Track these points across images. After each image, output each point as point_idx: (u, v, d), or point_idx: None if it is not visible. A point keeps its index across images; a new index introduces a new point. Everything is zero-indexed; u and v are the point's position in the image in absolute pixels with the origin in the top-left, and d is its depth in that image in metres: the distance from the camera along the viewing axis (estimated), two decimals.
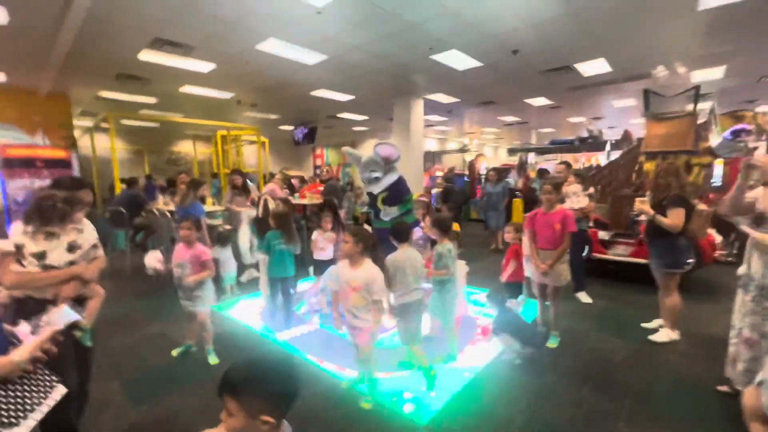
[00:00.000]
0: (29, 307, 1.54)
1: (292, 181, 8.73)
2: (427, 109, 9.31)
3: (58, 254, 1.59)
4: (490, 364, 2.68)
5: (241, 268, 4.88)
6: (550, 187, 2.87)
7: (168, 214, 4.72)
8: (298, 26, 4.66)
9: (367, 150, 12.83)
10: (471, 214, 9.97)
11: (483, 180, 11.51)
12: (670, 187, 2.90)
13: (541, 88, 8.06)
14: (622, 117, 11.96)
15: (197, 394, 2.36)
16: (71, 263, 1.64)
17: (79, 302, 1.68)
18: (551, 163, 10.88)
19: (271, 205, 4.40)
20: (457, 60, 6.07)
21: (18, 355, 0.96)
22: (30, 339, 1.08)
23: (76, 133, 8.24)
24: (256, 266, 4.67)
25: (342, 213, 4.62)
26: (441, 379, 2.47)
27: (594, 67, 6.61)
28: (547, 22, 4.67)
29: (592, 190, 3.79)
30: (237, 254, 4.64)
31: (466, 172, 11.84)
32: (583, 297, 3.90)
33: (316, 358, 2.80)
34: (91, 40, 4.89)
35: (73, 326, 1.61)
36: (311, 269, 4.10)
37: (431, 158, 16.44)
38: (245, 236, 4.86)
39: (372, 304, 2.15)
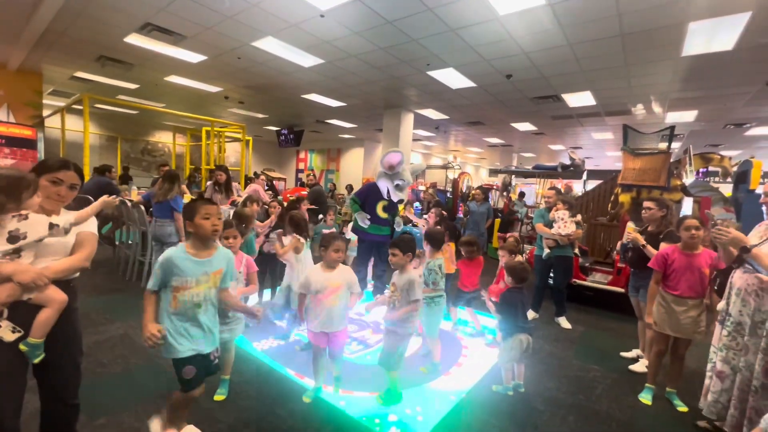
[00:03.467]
0: None
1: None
2: (416, 123, 9.40)
3: None
4: (475, 387, 2.62)
5: None
6: (698, 223, 2.42)
7: (142, 206, 4.43)
8: (299, 27, 4.58)
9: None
10: None
11: (466, 198, 11.69)
12: (664, 221, 2.93)
13: (528, 113, 8.32)
14: (599, 148, 12.55)
15: (160, 410, 2.16)
16: (12, 253, 1.34)
17: (24, 311, 1.36)
18: (531, 187, 11.22)
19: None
20: (452, 78, 6.17)
21: None
22: None
23: (44, 112, 7.71)
24: None
25: (330, 217, 4.56)
26: (427, 402, 2.39)
27: (580, 99, 6.89)
28: (544, 52, 4.83)
29: (579, 217, 3.87)
30: None
31: (449, 189, 11.99)
32: (564, 322, 3.94)
33: (295, 373, 2.65)
34: (75, 18, 4.60)
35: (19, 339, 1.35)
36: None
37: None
38: None
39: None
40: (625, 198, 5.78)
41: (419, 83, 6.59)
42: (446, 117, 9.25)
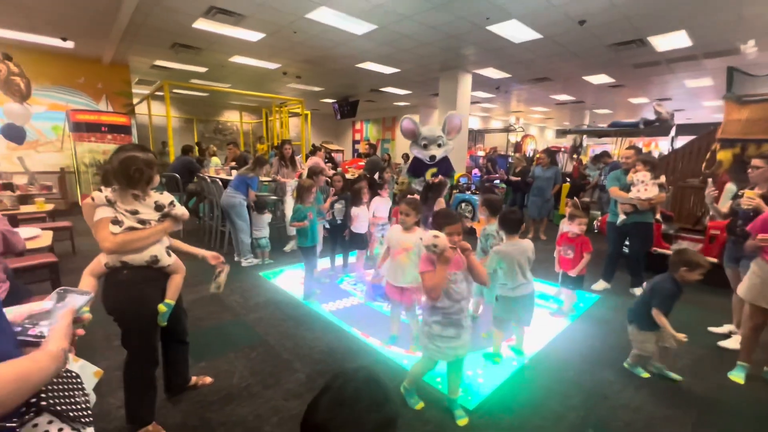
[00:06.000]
0: (120, 277, 1.60)
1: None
2: (474, 85, 8.87)
3: (148, 212, 1.63)
4: (538, 354, 2.60)
5: (287, 238, 5.05)
6: None
7: (219, 181, 4.89)
8: None
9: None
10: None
11: (530, 162, 11.00)
12: None
13: (604, 63, 7.38)
14: (694, 98, 10.79)
15: (248, 357, 2.49)
16: (161, 219, 1.70)
17: (163, 277, 1.75)
18: (607, 147, 10.14)
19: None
20: (515, 31, 5.65)
21: (57, 342, 0.74)
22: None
23: (134, 100, 8.67)
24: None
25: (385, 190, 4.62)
26: (488, 365, 2.43)
27: (671, 41, 5.91)
28: None
29: (663, 179, 3.45)
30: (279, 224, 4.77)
31: (511, 153, 11.34)
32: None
33: (361, 332, 2.85)
34: (151, 8, 5.01)
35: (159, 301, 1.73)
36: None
37: (473, 137, 15.86)
38: (290, 208, 4.96)
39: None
40: (724, 155, 5.01)
41: (478, 40, 6.15)
42: (508, 75, 8.58)
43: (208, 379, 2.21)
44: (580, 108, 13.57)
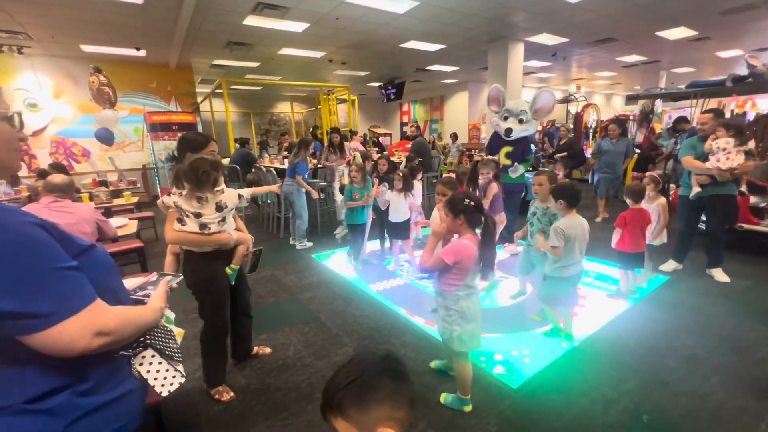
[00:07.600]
0: (193, 257, 1.86)
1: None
2: (527, 54, 8.26)
3: (209, 214, 1.77)
4: (591, 337, 2.48)
5: (337, 223, 5.26)
6: None
7: (273, 171, 5.21)
8: None
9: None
10: (573, 173, 8.92)
11: (591, 134, 10.15)
12: None
13: (682, 15, 6.43)
14: None
15: (302, 332, 2.70)
16: (221, 221, 1.82)
17: (232, 253, 1.95)
18: (685, 111, 8.94)
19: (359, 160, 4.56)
20: None
21: (156, 301, 1.04)
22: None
23: (197, 99, 9.44)
24: None
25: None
26: (537, 346, 2.39)
27: None
28: None
29: (751, 145, 2.99)
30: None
31: (570, 126, 10.48)
32: (719, 275, 3.27)
33: (407, 311, 2.93)
34: (205, 12, 5.37)
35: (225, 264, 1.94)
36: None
37: None
38: (339, 193, 5.15)
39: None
40: None
41: (527, 5, 5.69)
42: (565, 40, 7.85)
43: (268, 350, 2.45)
44: (653, 69, 12.01)
